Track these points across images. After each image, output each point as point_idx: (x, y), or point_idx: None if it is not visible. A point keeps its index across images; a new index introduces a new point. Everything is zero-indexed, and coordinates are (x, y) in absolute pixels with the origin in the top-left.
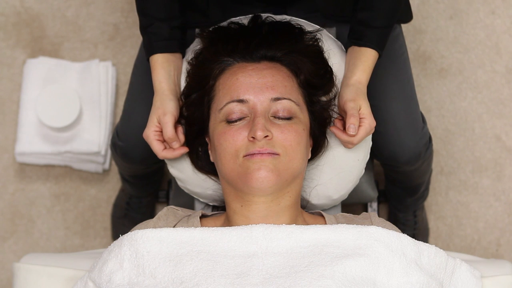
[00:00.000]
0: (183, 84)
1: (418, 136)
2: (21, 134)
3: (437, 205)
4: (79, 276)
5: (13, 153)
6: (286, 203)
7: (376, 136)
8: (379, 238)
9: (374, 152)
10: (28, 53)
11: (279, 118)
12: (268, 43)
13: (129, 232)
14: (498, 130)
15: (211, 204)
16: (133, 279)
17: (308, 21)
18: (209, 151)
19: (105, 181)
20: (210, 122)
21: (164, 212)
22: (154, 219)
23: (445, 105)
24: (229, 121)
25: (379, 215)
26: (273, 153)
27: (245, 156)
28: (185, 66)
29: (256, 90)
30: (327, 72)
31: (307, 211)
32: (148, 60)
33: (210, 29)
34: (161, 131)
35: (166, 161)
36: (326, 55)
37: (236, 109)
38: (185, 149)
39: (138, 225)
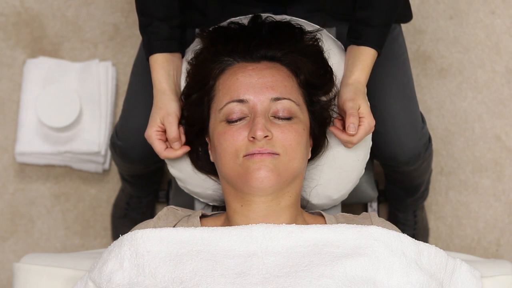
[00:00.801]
0: (183, 84)
1: (417, 136)
2: (21, 134)
3: (437, 205)
4: (79, 276)
5: (13, 153)
6: (286, 203)
7: (376, 136)
8: (379, 238)
9: (374, 152)
10: (28, 53)
11: (279, 118)
12: (268, 43)
13: (129, 232)
14: (498, 130)
15: (211, 204)
16: (133, 279)
17: (308, 21)
18: (209, 151)
19: (105, 181)
20: (210, 122)
21: (164, 212)
22: (154, 219)
23: (445, 105)
24: (229, 121)
25: (379, 215)
26: (273, 153)
27: (245, 156)
28: (185, 66)
29: (256, 90)
30: (327, 72)
31: (307, 211)
32: (147, 59)
33: (210, 29)
34: (163, 131)
35: (166, 161)
36: (326, 55)
37: (236, 109)
38: (187, 148)
39: (138, 225)
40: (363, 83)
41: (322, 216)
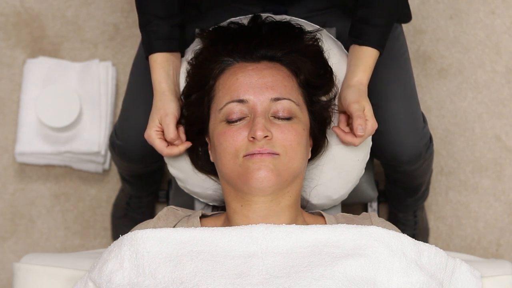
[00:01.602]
0: (182, 84)
1: (419, 136)
2: (21, 134)
3: (437, 205)
4: (79, 276)
5: (13, 153)
6: (286, 203)
7: (377, 136)
8: (379, 238)
9: (375, 152)
10: (28, 53)
11: (279, 118)
12: (268, 43)
13: (129, 232)
14: (498, 130)
15: (211, 204)
16: (133, 279)
17: (308, 21)
18: (209, 151)
19: (105, 181)
20: (210, 122)
21: (164, 212)
22: (154, 219)
23: (445, 105)
24: (229, 121)
25: (379, 215)
26: (273, 153)
27: (245, 156)
28: (185, 66)
29: (256, 90)
30: (327, 72)
31: (307, 211)
32: (147, 58)
33: (210, 29)
34: (163, 131)
35: (166, 161)
36: (326, 55)
37: (236, 109)
38: (188, 144)
39: (138, 225)
40: (365, 84)
41: (322, 216)
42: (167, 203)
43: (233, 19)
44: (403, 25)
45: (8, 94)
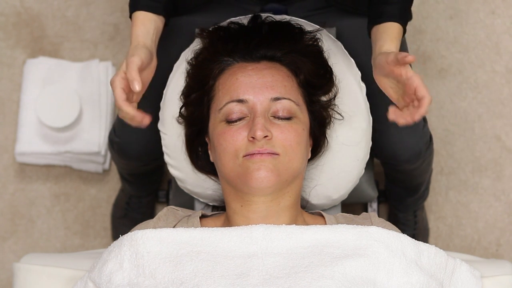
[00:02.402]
0: (182, 84)
1: (419, 135)
2: (21, 134)
3: (437, 205)
4: (79, 276)
5: (13, 153)
6: (286, 203)
7: (377, 135)
8: (379, 238)
9: (375, 151)
10: (28, 53)
11: (278, 118)
12: (268, 43)
13: (129, 232)
14: (498, 130)
15: (211, 204)
16: (133, 279)
17: (309, 20)
18: (209, 151)
19: (105, 181)
20: (210, 122)
21: (164, 212)
22: (154, 219)
23: (445, 105)
24: (229, 121)
25: (379, 215)
26: (273, 153)
27: (245, 156)
28: (184, 66)
29: (256, 90)
30: (327, 72)
31: (307, 211)
32: (130, 17)
33: (210, 29)
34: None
35: (166, 161)
36: (326, 55)
37: (235, 109)
38: (145, 117)
39: (138, 225)
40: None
41: (322, 216)
42: (167, 203)
43: (233, 19)
44: None
45: (8, 94)
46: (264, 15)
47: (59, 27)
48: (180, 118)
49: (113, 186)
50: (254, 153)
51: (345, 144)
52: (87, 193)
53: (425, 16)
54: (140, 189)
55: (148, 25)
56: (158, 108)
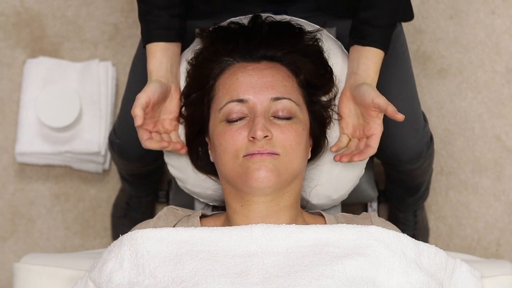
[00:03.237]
0: (182, 84)
1: (419, 135)
2: (21, 134)
3: (437, 205)
4: (79, 276)
5: (13, 153)
6: (286, 203)
7: None
8: (379, 238)
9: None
10: (28, 53)
11: (279, 118)
12: (268, 43)
13: (129, 232)
14: (498, 130)
15: (211, 204)
16: (133, 278)
17: (308, 21)
18: (209, 151)
19: (105, 181)
20: (210, 122)
21: (164, 212)
22: (154, 219)
23: (445, 105)
24: (229, 121)
25: (379, 215)
26: (273, 153)
27: (245, 156)
28: (184, 66)
29: (256, 90)
30: (327, 72)
31: (307, 211)
32: (144, 47)
33: (210, 29)
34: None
35: (166, 161)
36: (326, 55)
37: (236, 109)
38: (182, 149)
39: (138, 225)
40: (375, 84)
41: (322, 216)
42: (167, 203)
43: (233, 19)
44: (403, 24)
45: (8, 94)
46: (264, 15)
47: (59, 27)
48: (180, 118)
49: (113, 186)
50: (254, 153)
51: None
52: (87, 193)
53: (425, 16)
54: (140, 189)
55: (159, 56)
56: None
